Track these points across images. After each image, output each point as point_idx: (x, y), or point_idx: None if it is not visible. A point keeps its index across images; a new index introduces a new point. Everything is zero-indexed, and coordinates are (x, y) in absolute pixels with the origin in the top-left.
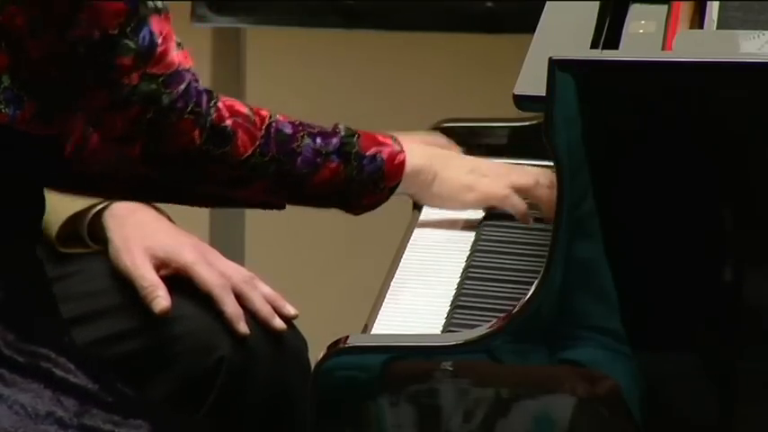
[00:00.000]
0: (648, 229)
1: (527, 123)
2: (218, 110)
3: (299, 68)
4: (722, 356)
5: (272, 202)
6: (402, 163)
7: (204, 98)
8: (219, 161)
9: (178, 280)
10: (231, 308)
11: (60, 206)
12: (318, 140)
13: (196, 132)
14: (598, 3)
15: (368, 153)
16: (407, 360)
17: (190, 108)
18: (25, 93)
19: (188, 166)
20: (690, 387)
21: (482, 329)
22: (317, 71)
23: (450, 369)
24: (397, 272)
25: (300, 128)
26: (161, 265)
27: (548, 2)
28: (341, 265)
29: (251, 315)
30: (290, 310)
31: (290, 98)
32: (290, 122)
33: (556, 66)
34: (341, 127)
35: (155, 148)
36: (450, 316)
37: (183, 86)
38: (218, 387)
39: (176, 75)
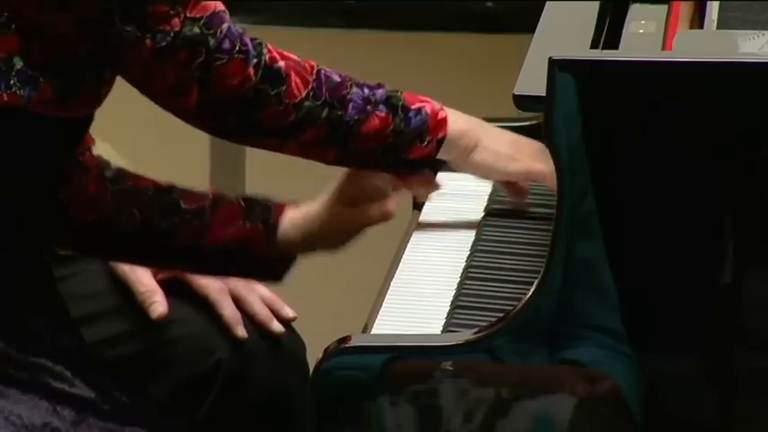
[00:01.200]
0: (648, 228)
1: (527, 123)
2: (269, 51)
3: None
4: (722, 356)
5: (320, 157)
6: (445, 119)
7: (247, 39)
8: (275, 102)
9: (176, 283)
10: (229, 311)
11: None
12: (366, 90)
13: (250, 70)
14: (598, 3)
15: (413, 106)
16: (407, 360)
17: (237, 47)
18: (41, 73)
19: (244, 108)
20: (690, 387)
21: (482, 329)
22: None
23: (451, 369)
24: (397, 272)
25: (348, 78)
26: (159, 270)
27: (548, 2)
28: (341, 265)
29: (249, 318)
30: (289, 312)
31: None
32: (337, 73)
33: (556, 66)
34: (383, 83)
35: (210, 93)
36: (450, 316)
37: (225, 26)
38: (217, 390)
39: (216, 16)
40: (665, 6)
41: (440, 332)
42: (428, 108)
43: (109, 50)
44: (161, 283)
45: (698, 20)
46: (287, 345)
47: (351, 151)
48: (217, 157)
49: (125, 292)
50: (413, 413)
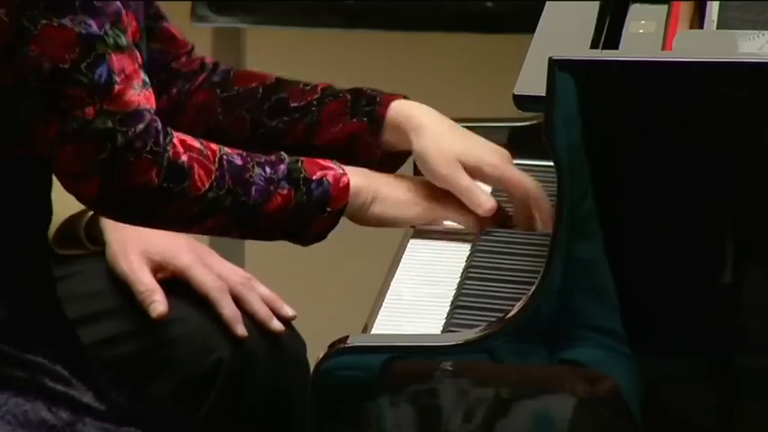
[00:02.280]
0: (648, 228)
1: (527, 123)
2: (174, 146)
3: (299, 68)
4: (722, 356)
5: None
6: (347, 185)
7: (161, 137)
8: (179, 198)
9: (176, 283)
10: (229, 310)
11: (57, 207)
12: (268, 169)
13: (154, 172)
14: (598, 3)
15: (315, 177)
16: (407, 360)
17: (149, 147)
18: None
19: (148, 205)
20: (690, 387)
21: (482, 329)
22: (317, 71)
23: (450, 369)
24: (397, 272)
25: (249, 158)
26: (158, 269)
27: (548, 2)
28: (341, 265)
29: (249, 317)
30: (288, 311)
31: None
32: (238, 153)
33: (556, 66)
34: (283, 154)
35: (112, 187)
36: (450, 316)
37: (141, 126)
38: (217, 389)
39: (135, 114)
40: (665, 6)
41: (440, 332)
42: (330, 176)
43: (20, 122)
44: (161, 283)
45: (698, 20)
46: (287, 344)
47: (254, 230)
48: None
49: (125, 291)
50: (413, 413)
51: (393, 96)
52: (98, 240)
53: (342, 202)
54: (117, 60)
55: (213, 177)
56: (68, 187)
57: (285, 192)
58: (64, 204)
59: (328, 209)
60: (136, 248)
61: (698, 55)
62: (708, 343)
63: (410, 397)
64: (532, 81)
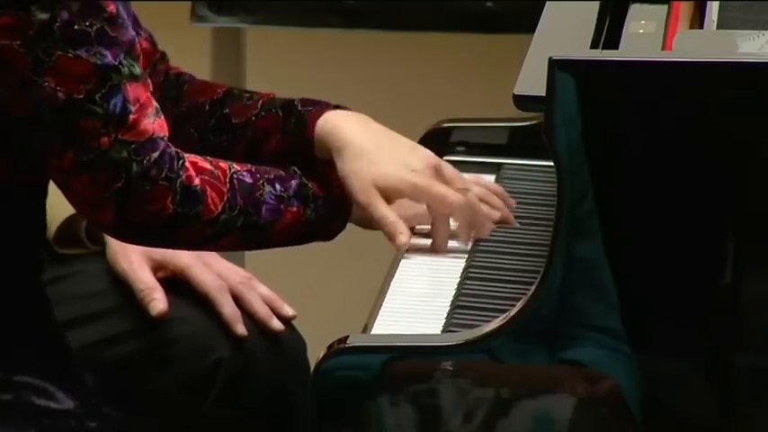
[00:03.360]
0: (648, 228)
1: (527, 123)
2: (186, 170)
3: (299, 68)
4: (722, 356)
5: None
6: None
7: (175, 162)
8: (194, 222)
9: (176, 282)
10: (229, 309)
11: (58, 207)
12: (278, 186)
13: (169, 198)
14: (598, 3)
15: (322, 192)
16: (407, 360)
17: (164, 175)
18: None
19: (163, 231)
20: (690, 387)
21: (482, 329)
22: (317, 71)
23: (451, 369)
24: (397, 272)
25: (258, 175)
26: (158, 268)
27: (548, 2)
28: (341, 265)
29: (249, 316)
30: (288, 310)
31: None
32: (247, 171)
33: (556, 66)
34: (294, 168)
35: (127, 215)
36: (450, 316)
37: (156, 154)
38: (217, 389)
39: (149, 143)
40: (665, 6)
41: (440, 332)
42: (336, 188)
43: (33, 151)
44: (161, 282)
45: (698, 20)
46: (287, 343)
47: (264, 245)
48: None
49: (125, 291)
50: (413, 413)
51: (320, 111)
52: (98, 240)
53: (347, 211)
54: (132, 90)
55: (225, 199)
56: (85, 215)
57: (295, 209)
58: (64, 204)
59: (336, 220)
60: (136, 247)
61: (698, 55)
62: (708, 343)
63: (410, 397)
64: (532, 81)
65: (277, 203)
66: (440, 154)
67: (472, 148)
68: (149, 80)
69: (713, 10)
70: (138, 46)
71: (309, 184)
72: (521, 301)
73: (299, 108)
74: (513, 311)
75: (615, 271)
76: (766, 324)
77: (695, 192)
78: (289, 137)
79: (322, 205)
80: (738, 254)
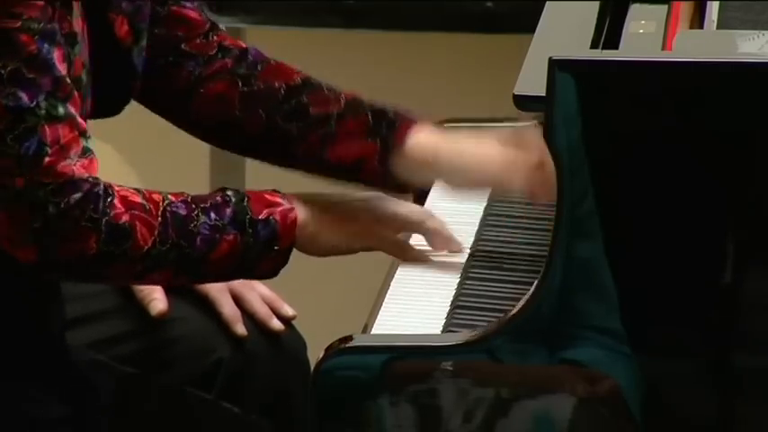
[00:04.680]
0: (648, 228)
1: (527, 123)
2: (114, 207)
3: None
4: (722, 356)
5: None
6: (294, 221)
7: (101, 202)
8: (121, 259)
9: None
10: (228, 309)
11: None
12: (213, 215)
13: (93, 239)
14: (598, 3)
15: (261, 217)
16: (407, 360)
17: (87, 215)
18: None
19: (90, 270)
20: (690, 387)
21: (482, 329)
22: (317, 71)
23: (451, 369)
24: (397, 272)
25: (194, 205)
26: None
27: (548, 2)
28: (341, 265)
29: (249, 316)
30: (288, 310)
31: None
32: (182, 201)
33: (556, 66)
34: (229, 193)
35: (49, 254)
36: (450, 316)
37: (77, 196)
38: (217, 389)
39: (68, 185)
40: (665, 6)
41: (440, 332)
42: (277, 214)
43: None
44: None
45: (698, 20)
46: (287, 343)
47: (200, 277)
48: (217, 156)
49: (125, 291)
50: (413, 413)
51: (411, 122)
52: None
53: (290, 239)
54: (50, 131)
55: (156, 233)
56: (9, 251)
57: (231, 237)
58: None
59: (276, 247)
60: None
61: (698, 55)
62: (708, 343)
63: (410, 397)
64: (532, 81)
65: (212, 233)
66: None
67: None
68: (79, 120)
69: (713, 10)
70: (68, 86)
71: (248, 209)
72: (521, 301)
73: (391, 116)
74: (513, 311)
75: (615, 271)
76: (766, 324)
77: (695, 192)
78: (376, 141)
79: (262, 229)
80: (738, 254)
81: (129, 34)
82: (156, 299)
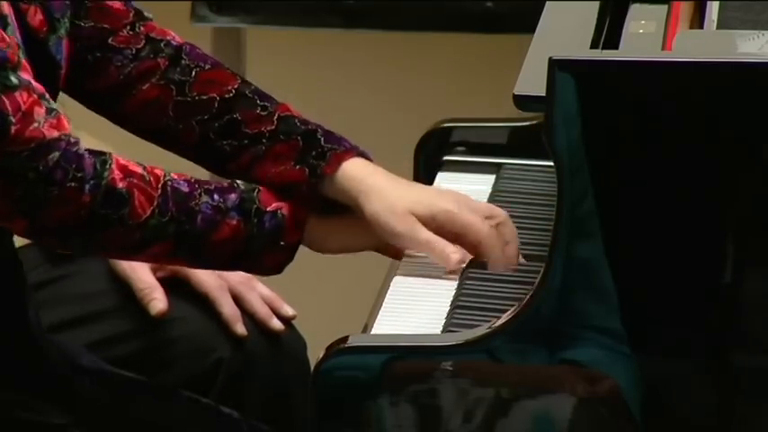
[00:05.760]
0: (648, 228)
1: (527, 123)
2: (111, 171)
3: (299, 68)
4: (722, 356)
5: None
6: (304, 219)
7: (88, 161)
8: (118, 224)
9: (175, 282)
10: (228, 308)
11: None
12: (216, 197)
13: (86, 198)
14: (598, 3)
15: (268, 209)
16: (407, 360)
17: (70, 175)
18: None
19: (85, 233)
20: (690, 387)
21: (482, 329)
22: (317, 71)
23: (451, 369)
24: (397, 272)
25: (197, 185)
26: (158, 267)
27: (548, 2)
28: (341, 265)
29: (249, 316)
30: (288, 310)
31: (290, 98)
32: (185, 180)
33: (556, 66)
34: (238, 182)
35: (40, 222)
36: (450, 316)
37: (54, 156)
38: (217, 389)
39: (42, 147)
40: (665, 6)
41: (440, 332)
42: (286, 209)
43: None
44: (160, 282)
45: (698, 20)
46: (288, 343)
47: (200, 258)
48: None
49: (125, 291)
50: (413, 413)
51: (344, 155)
52: None
53: (297, 235)
54: (9, 101)
55: (155, 204)
56: (1, 225)
57: (234, 222)
58: None
59: (281, 242)
60: None
61: (698, 55)
62: (708, 343)
63: (410, 397)
64: (532, 81)
65: (213, 214)
66: (440, 154)
67: (472, 148)
68: (34, 84)
69: (713, 10)
70: (14, 54)
71: (256, 199)
72: (521, 302)
73: (322, 142)
74: (513, 311)
75: (615, 271)
76: (766, 324)
77: (695, 192)
78: (301, 167)
79: (268, 220)
80: (738, 254)
81: (44, 24)
82: (156, 299)
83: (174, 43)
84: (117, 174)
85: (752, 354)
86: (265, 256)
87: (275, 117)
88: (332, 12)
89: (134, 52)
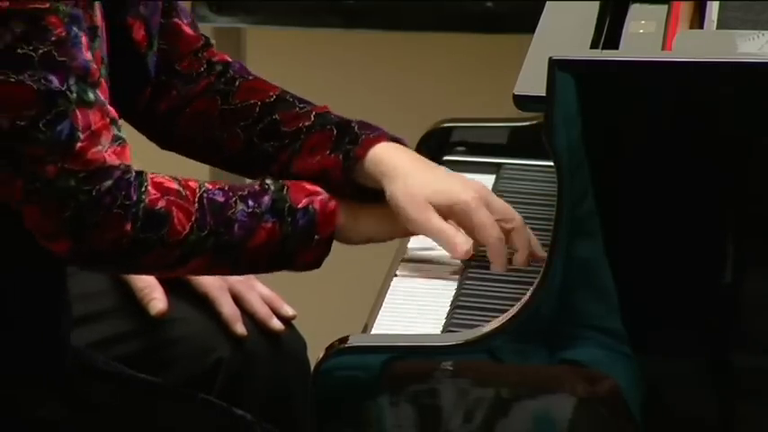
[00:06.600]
0: (648, 228)
1: (527, 123)
2: (149, 193)
3: (299, 68)
4: (722, 356)
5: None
6: (334, 210)
7: (133, 188)
8: (159, 245)
9: (175, 282)
10: (228, 308)
11: None
12: (251, 202)
13: (127, 226)
14: (598, 3)
15: (300, 206)
16: (407, 360)
17: (119, 202)
18: None
19: (126, 258)
20: (690, 387)
21: (482, 329)
22: (317, 71)
23: (451, 369)
24: (398, 272)
25: (231, 193)
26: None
27: (548, 2)
28: (341, 265)
29: (249, 316)
30: (288, 310)
31: None
32: (219, 189)
33: (556, 66)
34: (268, 182)
35: (83, 244)
36: (450, 316)
37: (108, 183)
38: (217, 389)
39: (100, 172)
40: (665, 6)
41: (440, 332)
42: (317, 203)
43: None
44: (160, 282)
45: (698, 20)
46: (288, 343)
47: (239, 266)
48: None
49: (125, 291)
50: (413, 413)
51: (377, 139)
52: None
53: (330, 228)
54: (82, 116)
55: (194, 219)
56: (43, 244)
57: (270, 225)
58: None
59: (316, 237)
60: None
61: (698, 55)
62: (708, 343)
63: (410, 397)
64: (532, 81)
65: (250, 221)
66: (440, 154)
67: (472, 148)
68: (109, 109)
69: (713, 10)
70: (97, 71)
71: (287, 198)
72: (521, 301)
73: (356, 130)
74: (513, 311)
75: (615, 271)
76: (766, 324)
77: (695, 192)
78: (336, 154)
79: (301, 218)
80: (738, 254)
81: (145, 39)
82: (156, 299)
83: (224, 60)
84: (154, 194)
85: (752, 354)
86: (301, 253)
87: (312, 114)
88: (332, 12)
89: (194, 76)
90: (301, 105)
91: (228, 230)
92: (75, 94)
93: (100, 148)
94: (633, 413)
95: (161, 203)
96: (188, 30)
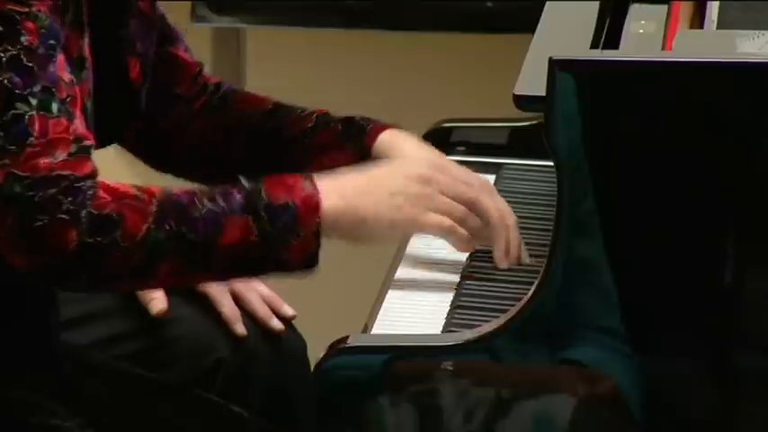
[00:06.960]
0: (648, 228)
1: (527, 123)
2: (97, 198)
3: (299, 68)
4: (722, 356)
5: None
6: (317, 205)
7: (80, 194)
8: (113, 249)
9: None
10: (228, 308)
11: None
12: (220, 201)
13: (73, 233)
14: (598, 3)
15: (279, 202)
16: (408, 360)
17: (63, 208)
18: None
19: (82, 265)
20: (690, 387)
21: (482, 329)
22: (317, 71)
23: (451, 369)
24: (397, 272)
25: (199, 194)
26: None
27: (548, 2)
28: (341, 266)
29: (249, 316)
30: (288, 310)
31: (290, 98)
32: (186, 192)
33: (556, 66)
34: (243, 181)
35: (34, 256)
36: (450, 316)
37: (53, 191)
38: (217, 388)
39: (46, 180)
40: (665, 6)
41: (440, 332)
42: (298, 199)
43: None
44: None
45: (698, 20)
46: (288, 343)
47: (218, 268)
48: None
49: None
50: (413, 413)
51: (383, 127)
52: None
53: (313, 224)
54: (40, 123)
55: (150, 220)
56: (5, 257)
57: (241, 222)
58: None
59: (301, 233)
60: None
61: (698, 55)
62: (708, 343)
63: (411, 397)
64: (532, 81)
65: (216, 218)
66: None
67: (472, 148)
68: (76, 124)
69: (713, 10)
70: (64, 89)
71: (264, 196)
72: (521, 301)
73: (360, 121)
74: (514, 311)
75: (615, 271)
76: (766, 324)
77: (695, 192)
78: (349, 148)
79: (280, 215)
80: (738, 254)
81: (140, 76)
82: (156, 298)
83: (217, 81)
84: (103, 198)
85: (752, 354)
86: (287, 251)
87: (314, 116)
88: (332, 12)
89: (192, 97)
90: (301, 109)
91: (192, 229)
92: (36, 101)
93: (51, 159)
94: (633, 413)
95: (110, 207)
96: (185, 56)
